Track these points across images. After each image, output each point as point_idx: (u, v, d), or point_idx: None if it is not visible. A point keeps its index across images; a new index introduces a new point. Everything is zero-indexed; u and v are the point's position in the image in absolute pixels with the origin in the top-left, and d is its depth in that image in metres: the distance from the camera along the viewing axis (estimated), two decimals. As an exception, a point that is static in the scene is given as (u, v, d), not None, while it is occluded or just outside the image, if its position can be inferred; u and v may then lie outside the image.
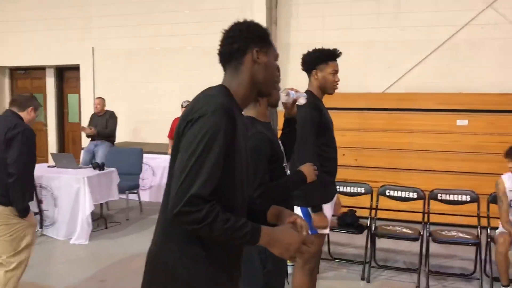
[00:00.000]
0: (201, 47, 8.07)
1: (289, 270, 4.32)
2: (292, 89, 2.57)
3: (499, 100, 6.27)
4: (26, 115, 3.52)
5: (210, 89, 1.63)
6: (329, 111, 3.36)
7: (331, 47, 3.21)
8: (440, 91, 6.68)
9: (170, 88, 8.43)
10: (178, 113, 7.21)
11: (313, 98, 3.13)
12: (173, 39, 8.42)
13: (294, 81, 6.19)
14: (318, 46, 3.30)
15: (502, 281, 3.98)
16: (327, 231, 3.28)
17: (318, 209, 3.08)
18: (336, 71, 3.16)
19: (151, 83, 8.66)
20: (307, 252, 1.61)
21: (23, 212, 3.36)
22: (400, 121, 6.69)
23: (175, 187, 1.43)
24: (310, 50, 3.22)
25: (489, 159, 6.01)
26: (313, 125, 3.04)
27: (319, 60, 3.14)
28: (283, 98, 2.55)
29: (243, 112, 1.74)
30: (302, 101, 2.63)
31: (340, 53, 3.17)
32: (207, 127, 1.45)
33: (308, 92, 3.17)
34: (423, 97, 6.68)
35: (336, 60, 3.17)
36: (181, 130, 1.52)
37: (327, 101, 3.38)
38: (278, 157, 2.45)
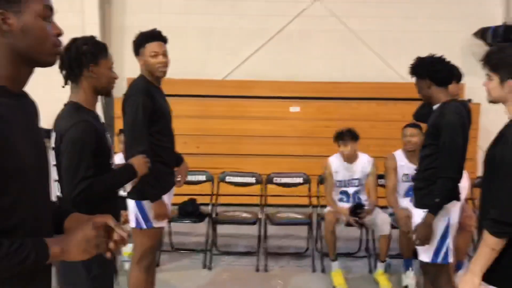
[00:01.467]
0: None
1: (126, 266, 4.12)
2: None
3: (327, 88, 6.77)
4: None
5: None
6: (169, 98, 3.20)
7: (169, 32, 3.04)
8: (275, 79, 6.96)
9: None
10: None
11: (145, 84, 2.95)
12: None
13: (131, 67, 5.87)
14: None
15: (330, 256, 4.29)
16: (164, 223, 3.14)
17: (156, 197, 2.92)
18: (156, 53, 2.92)
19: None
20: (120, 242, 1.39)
21: None
22: (239, 108, 6.81)
23: None
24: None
25: (319, 142, 6.46)
26: (145, 113, 2.86)
27: (138, 44, 2.97)
28: None
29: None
30: None
31: (159, 32, 2.97)
32: None
33: (140, 77, 2.98)
34: (260, 84, 6.89)
35: (156, 41, 2.95)
36: None
37: (166, 87, 3.22)
38: (105, 151, 2.22)
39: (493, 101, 2.19)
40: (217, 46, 7.18)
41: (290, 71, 7.07)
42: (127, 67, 6.08)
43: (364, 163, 4.41)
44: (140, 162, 2.36)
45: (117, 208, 2.31)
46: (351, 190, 4.43)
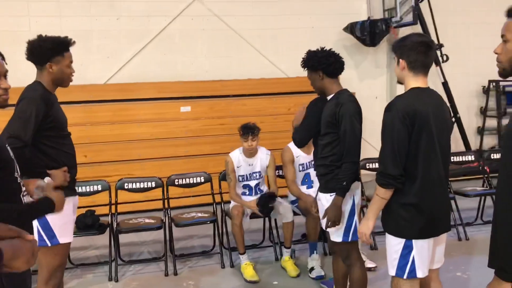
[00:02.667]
0: None
1: None
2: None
3: (216, 86, 6.84)
4: None
5: None
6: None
7: (32, 38, 2.84)
8: (161, 80, 6.85)
9: None
10: None
11: (44, 91, 2.77)
12: None
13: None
14: (28, 35, 2.91)
15: (239, 250, 4.37)
16: (71, 238, 2.95)
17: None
18: (71, 62, 2.86)
19: None
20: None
21: None
22: (125, 112, 6.58)
23: None
24: (38, 38, 2.79)
25: (213, 140, 6.51)
26: (38, 116, 2.67)
27: (55, 52, 2.77)
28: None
29: None
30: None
31: (74, 41, 2.86)
32: None
33: (37, 83, 2.77)
34: (146, 86, 6.73)
35: (69, 50, 2.85)
36: None
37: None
38: (5, 165, 2.02)
39: (398, 80, 2.65)
40: (96, 49, 6.86)
41: (176, 71, 7.01)
42: None
43: (263, 156, 4.56)
44: (61, 199, 2.09)
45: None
46: (253, 183, 4.56)
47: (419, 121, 2.40)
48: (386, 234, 2.58)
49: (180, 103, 6.69)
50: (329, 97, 3.22)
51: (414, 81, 2.50)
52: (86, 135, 6.33)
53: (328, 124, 3.14)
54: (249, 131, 4.41)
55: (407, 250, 2.47)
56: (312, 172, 4.49)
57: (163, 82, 6.81)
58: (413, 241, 2.46)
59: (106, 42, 6.88)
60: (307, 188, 4.55)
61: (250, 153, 4.50)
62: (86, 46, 6.80)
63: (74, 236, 4.18)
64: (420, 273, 2.50)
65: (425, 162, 2.44)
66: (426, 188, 2.45)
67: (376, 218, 2.57)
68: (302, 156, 4.51)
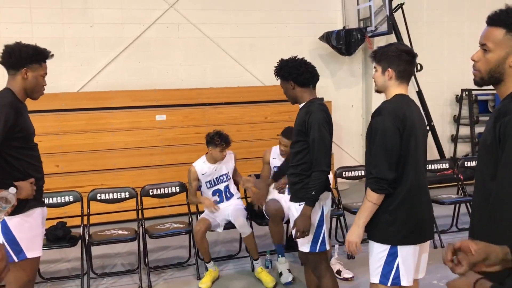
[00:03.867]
0: None
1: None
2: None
3: (191, 95, 6.77)
4: None
5: None
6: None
7: (12, 43, 2.76)
8: (136, 88, 6.75)
9: None
10: None
11: (14, 98, 2.66)
12: None
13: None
14: None
15: (205, 259, 4.35)
16: (40, 252, 2.84)
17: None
18: (46, 74, 2.80)
19: None
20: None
21: None
22: (99, 120, 6.45)
23: None
24: (18, 44, 2.72)
25: (188, 149, 6.43)
26: (6, 126, 2.57)
27: (34, 59, 2.69)
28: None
29: None
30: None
31: (53, 55, 2.82)
32: None
33: (6, 90, 2.67)
34: (120, 94, 6.62)
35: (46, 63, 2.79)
36: None
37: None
38: None
39: (378, 90, 2.63)
40: (69, 56, 6.73)
41: (151, 80, 6.93)
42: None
43: (227, 157, 4.53)
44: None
45: None
46: (222, 186, 4.54)
47: (408, 126, 2.43)
48: (370, 241, 2.55)
49: (155, 111, 6.59)
50: (300, 106, 3.21)
51: (399, 89, 2.54)
52: (59, 145, 6.19)
53: (298, 133, 3.11)
54: (225, 142, 4.38)
55: (391, 257, 2.46)
56: None
57: (138, 90, 6.72)
58: (398, 247, 2.45)
59: (79, 50, 6.76)
60: (278, 193, 4.53)
61: (216, 160, 4.48)
62: (59, 54, 6.51)
63: (44, 249, 4.06)
64: (405, 281, 2.48)
65: (413, 167, 2.46)
66: (414, 194, 2.46)
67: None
68: (279, 159, 4.52)
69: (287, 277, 4.20)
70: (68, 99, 6.46)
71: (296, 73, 3.13)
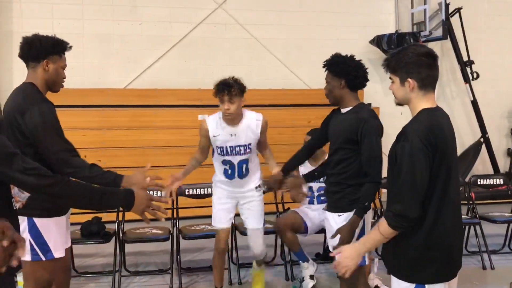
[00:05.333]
0: None
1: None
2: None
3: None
4: None
5: None
6: (65, 110, 2.91)
7: (64, 39, 2.74)
8: (181, 87, 6.75)
9: None
10: None
11: (37, 93, 2.61)
12: None
13: (20, 73, 5.33)
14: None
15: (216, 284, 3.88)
16: (63, 253, 2.76)
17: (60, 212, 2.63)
18: (65, 66, 2.72)
19: None
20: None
21: None
22: (143, 117, 6.50)
23: None
24: (36, 35, 2.66)
25: (229, 151, 6.34)
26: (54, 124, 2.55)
27: (54, 49, 2.62)
28: None
29: None
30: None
31: (71, 46, 2.73)
32: None
33: (30, 86, 2.62)
34: (165, 93, 6.65)
35: (65, 54, 2.72)
36: None
37: (60, 98, 2.90)
38: None
39: (399, 102, 2.25)
40: (116, 53, 6.81)
41: (196, 79, 6.91)
42: (15, 74, 5.54)
43: (251, 123, 3.66)
44: (142, 198, 2.11)
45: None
46: (235, 159, 3.68)
47: (440, 150, 2.07)
48: (393, 278, 2.20)
49: (198, 111, 6.54)
50: (344, 110, 3.03)
51: (425, 101, 2.15)
52: (101, 140, 6.27)
53: (346, 140, 2.94)
54: (224, 88, 3.40)
55: None
56: (315, 185, 4.26)
57: (182, 89, 6.71)
58: (426, 286, 2.11)
59: (127, 47, 6.84)
60: (309, 203, 4.31)
61: (230, 119, 3.51)
62: (107, 50, 6.78)
63: (79, 244, 4.11)
64: None
65: (441, 198, 2.10)
66: (441, 226, 2.09)
67: None
68: (306, 167, 4.10)
69: (306, 284, 4.01)
70: (114, 95, 6.54)
71: (353, 75, 2.95)
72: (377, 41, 7.18)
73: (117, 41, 6.81)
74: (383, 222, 2.10)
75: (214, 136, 3.55)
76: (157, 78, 6.88)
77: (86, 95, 6.32)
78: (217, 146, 3.58)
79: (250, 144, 3.57)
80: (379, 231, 2.11)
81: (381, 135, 2.90)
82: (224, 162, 3.63)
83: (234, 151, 3.57)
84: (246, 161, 3.62)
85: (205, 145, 3.68)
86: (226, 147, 3.55)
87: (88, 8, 6.70)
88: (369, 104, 6.20)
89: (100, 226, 4.25)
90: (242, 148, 3.57)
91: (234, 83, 3.44)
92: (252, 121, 3.58)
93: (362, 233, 2.94)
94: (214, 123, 3.57)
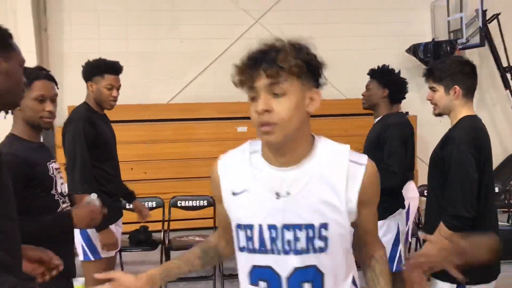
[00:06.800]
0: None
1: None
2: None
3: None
4: None
5: None
6: (113, 125, 3.15)
7: (109, 58, 3.02)
8: (221, 101, 6.99)
9: None
10: None
11: (86, 111, 2.91)
12: None
13: (70, 93, 5.70)
14: (95, 56, 3.07)
15: None
16: (113, 253, 3.04)
17: (103, 227, 2.84)
18: (112, 86, 2.95)
19: None
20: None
21: None
22: (186, 130, 6.78)
23: None
24: (92, 59, 2.99)
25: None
26: (85, 140, 2.81)
27: (95, 71, 2.92)
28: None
29: None
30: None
31: (121, 67, 3.00)
32: None
33: (83, 104, 2.94)
34: (206, 106, 6.91)
35: (115, 75, 2.96)
36: None
37: (109, 114, 3.17)
38: (40, 182, 2.10)
39: (440, 112, 2.37)
40: (159, 70, 7.14)
41: (234, 93, 7.10)
42: (67, 95, 5.93)
43: None
44: (82, 215, 2.10)
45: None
46: None
47: (484, 153, 2.21)
48: (433, 279, 2.26)
49: (237, 123, 6.78)
50: (376, 119, 3.16)
51: (466, 109, 2.30)
52: (147, 153, 6.57)
53: (372, 146, 3.08)
54: None
55: None
56: None
57: (222, 102, 6.95)
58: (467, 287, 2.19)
59: (169, 64, 7.15)
60: None
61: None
62: (150, 67, 7.12)
63: (127, 251, 4.38)
64: None
65: (484, 201, 2.22)
66: (483, 228, 2.20)
67: None
68: None
69: None
70: (158, 110, 6.86)
71: (398, 89, 3.11)
72: (414, 50, 7.21)
73: (158, 59, 7.14)
74: (442, 225, 2.20)
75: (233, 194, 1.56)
76: (197, 92, 7.15)
77: (132, 110, 6.66)
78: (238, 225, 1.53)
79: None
80: (440, 235, 2.17)
81: (406, 142, 2.99)
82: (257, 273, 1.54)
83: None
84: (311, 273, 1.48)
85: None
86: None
87: (132, 28, 7.07)
88: (407, 113, 6.24)
89: (147, 235, 4.51)
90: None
91: None
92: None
93: (397, 240, 3.03)
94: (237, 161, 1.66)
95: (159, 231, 4.67)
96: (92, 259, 2.89)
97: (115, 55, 3.12)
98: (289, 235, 1.36)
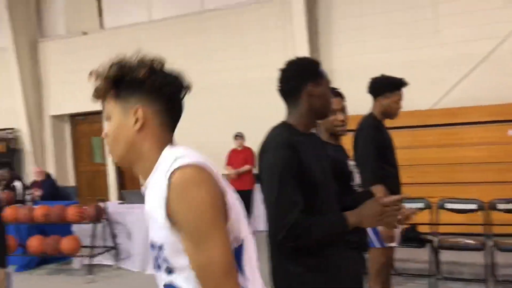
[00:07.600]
0: (245, 80, 8.23)
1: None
2: None
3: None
4: None
5: (274, 128, 2.00)
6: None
7: (374, 70, 3.45)
8: (488, 103, 6.74)
9: (217, 120, 8.64)
10: (231, 144, 7.42)
11: (373, 120, 3.39)
12: (218, 74, 8.63)
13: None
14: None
15: None
16: (394, 244, 3.46)
17: None
18: (400, 100, 3.39)
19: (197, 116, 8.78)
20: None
21: None
22: (451, 135, 6.78)
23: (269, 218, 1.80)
24: (381, 76, 3.44)
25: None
26: (375, 146, 3.29)
27: (387, 88, 3.36)
28: None
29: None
30: None
31: (406, 83, 3.40)
32: (270, 162, 1.82)
33: (370, 114, 3.43)
34: (472, 110, 6.76)
35: (401, 90, 3.40)
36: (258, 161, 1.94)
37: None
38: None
39: None
40: (421, 76, 7.32)
41: (504, 94, 6.77)
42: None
43: None
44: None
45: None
46: None
47: None
48: None
49: (508, 126, 6.44)
50: None
51: None
52: (412, 157, 6.83)
53: None
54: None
55: None
56: None
57: (491, 105, 6.69)
58: None
59: (431, 69, 7.27)
60: None
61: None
62: (413, 76, 7.33)
63: (396, 246, 4.75)
64: None
65: None
66: None
67: None
68: None
69: None
70: (421, 116, 7.05)
71: None
72: None
73: (419, 66, 7.32)
74: None
75: None
76: (462, 96, 7.05)
77: (398, 118, 7.01)
78: None
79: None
80: None
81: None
82: None
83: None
84: None
85: None
86: None
87: (394, 41, 7.45)
88: None
89: (415, 233, 4.80)
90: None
91: None
92: None
93: None
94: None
95: (424, 233, 4.87)
96: (378, 246, 3.36)
97: (377, 67, 3.47)
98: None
